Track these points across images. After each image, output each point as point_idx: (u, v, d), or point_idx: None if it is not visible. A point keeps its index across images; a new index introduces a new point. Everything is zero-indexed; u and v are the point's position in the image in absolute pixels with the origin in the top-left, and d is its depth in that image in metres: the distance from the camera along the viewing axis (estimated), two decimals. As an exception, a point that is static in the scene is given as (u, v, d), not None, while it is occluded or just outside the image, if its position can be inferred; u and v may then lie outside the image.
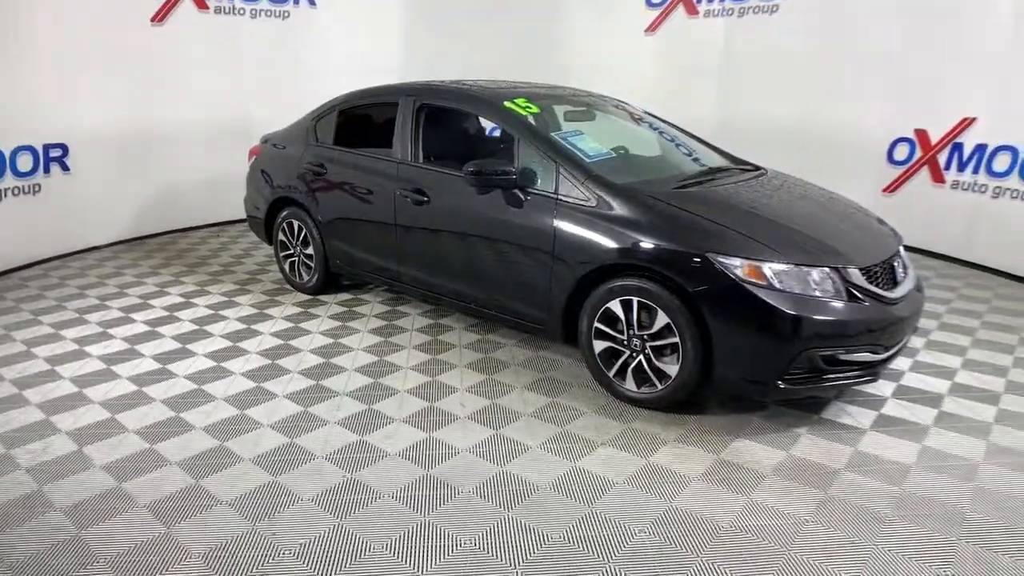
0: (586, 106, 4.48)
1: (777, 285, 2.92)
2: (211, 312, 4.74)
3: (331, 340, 4.24)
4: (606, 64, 8.14)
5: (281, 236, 5.13)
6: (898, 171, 6.37)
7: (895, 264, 3.29)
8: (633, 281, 3.21)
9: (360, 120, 4.69)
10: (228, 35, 7.16)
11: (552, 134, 3.68)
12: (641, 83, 8.06)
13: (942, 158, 6.00)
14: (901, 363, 3.86)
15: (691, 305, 3.04)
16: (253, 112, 7.23)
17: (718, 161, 4.25)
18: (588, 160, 3.55)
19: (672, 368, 3.18)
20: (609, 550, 2.37)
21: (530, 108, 3.88)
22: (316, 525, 2.52)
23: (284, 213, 5.05)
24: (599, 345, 3.42)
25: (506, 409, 3.37)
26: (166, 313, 4.73)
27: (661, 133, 4.46)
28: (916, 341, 4.19)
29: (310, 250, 4.91)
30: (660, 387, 3.25)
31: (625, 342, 3.32)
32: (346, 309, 4.78)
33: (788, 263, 2.97)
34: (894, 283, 3.24)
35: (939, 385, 3.61)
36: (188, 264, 5.96)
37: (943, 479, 2.77)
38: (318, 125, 4.85)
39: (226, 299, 5.02)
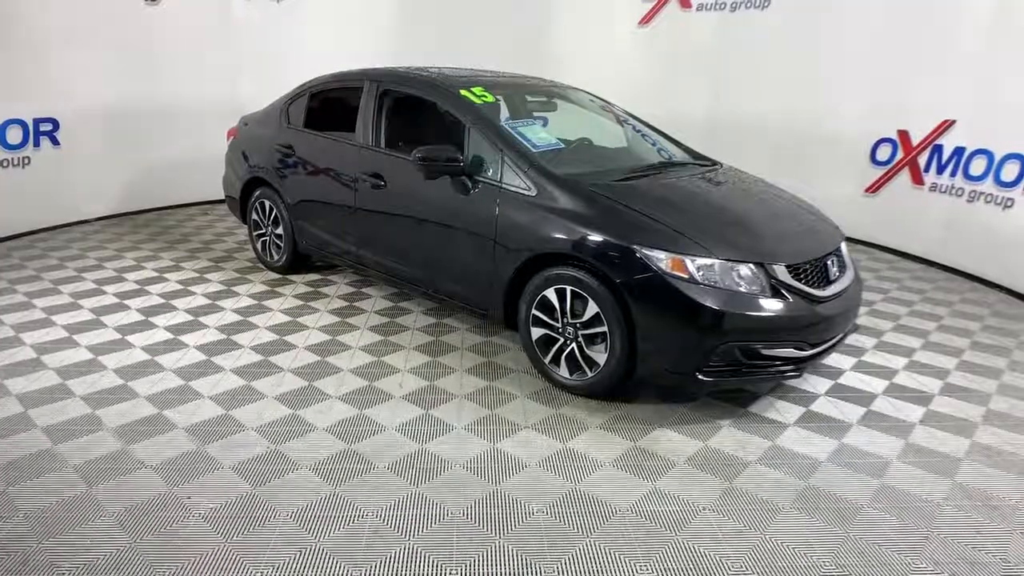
0: (548, 96, 4.52)
1: (700, 279, 2.97)
2: (180, 287, 4.87)
3: (289, 319, 4.34)
4: (598, 55, 8.15)
5: (254, 216, 5.24)
6: (880, 171, 6.35)
7: (829, 262, 3.31)
8: (567, 270, 3.27)
9: (329, 104, 4.77)
10: (222, 15, 7.27)
11: (501, 123, 3.73)
12: (632, 75, 8.07)
13: (922, 160, 5.97)
14: (843, 362, 3.89)
15: (618, 296, 3.10)
16: (245, 92, 7.32)
17: (674, 155, 4.28)
18: (534, 150, 3.60)
19: (601, 357, 3.24)
20: (504, 526, 2.45)
21: (485, 97, 3.94)
22: (231, 491, 2.61)
23: (257, 193, 5.16)
24: (536, 332, 3.49)
25: (442, 391, 3.45)
26: (137, 286, 4.86)
27: (623, 125, 4.50)
28: (866, 341, 4.21)
29: (280, 230, 5.01)
30: (590, 375, 3.31)
31: (560, 330, 3.38)
32: (312, 289, 4.88)
33: (712, 258, 3.01)
34: (826, 281, 3.27)
35: (876, 385, 3.63)
36: (170, 240, 6.09)
37: (850, 475, 2.81)
38: (290, 108, 4.94)
39: (198, 275, 5.14)
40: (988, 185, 5.36)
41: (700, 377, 3.03)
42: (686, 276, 2.97)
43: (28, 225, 6.12)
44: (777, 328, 3.03)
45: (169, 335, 4.05)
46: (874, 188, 6.42)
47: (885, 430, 3.18)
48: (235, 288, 4.88)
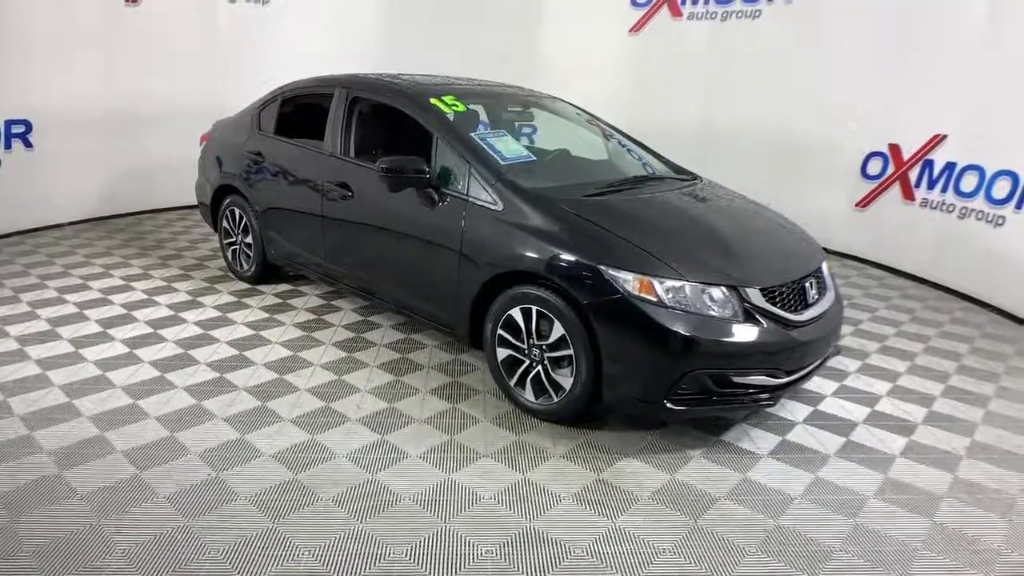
0: (525, 106, 4.37)
1: (668, 302, 2.81)
2: (145, 297, 4.71)
3: (253, 332, 4.18)
4: (589, 63, 8.02)
5: (225, 223, 5.09)
6: (871, 186, 6.20)
7: (807, 284, 3.15)
8: (533, 289, 3.12)
9: (300, 110, 4.62)
10: (205, 16, 7.12)
11: (470, 134, 3.58)
12: (623, 83, 7.94)
13: (913, 175, 5.82)
14: (825, 386, 3.74)
15: (584, 318, 2.94)
16: (228, 95, 7.15)
17: (653, 168, 4.13)
18: (503, 162, 3.45)
19: (567, 381, 3.08)
20: (448, 569, 2.29)
21: (456, 106, 3.79)
22: (162, 525, 2.45)
23: (227, 201, 5.01)
24: (502, 352, 3.33)
25: (402, 414, 3.30)
26: (100, 295, 4.71)
27: (602, 136, 4.35)
28: (850, 364, 4.06)
29: (250, 239, 4.86)
30: (556, 399, 3.15)
31: (526, 351, 3.23)
32: (280, 301, 4.73)
33: (682, 280, 2.85)
34: (804, 304, 3.11)
35: (857, 413, 3.48)
36: (143, 247, 5.94)
37: (824, 514, 2.65)
38: (262, 113, 4.80)
39: (165, 284, 4.99)
40: (979, 202, 5.21)
41: (669, 406, 2.87)
42: (654, 299, 2.82)
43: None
44: (749, 355, 2.87)
45: (125, 349, 3.89)
46: (865, 203, 6.27)
47: (864, 463, 3.02)
48: (201, 299, 4.72)
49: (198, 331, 4.17)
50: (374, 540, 2.42)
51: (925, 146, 5.67)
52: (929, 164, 5.66)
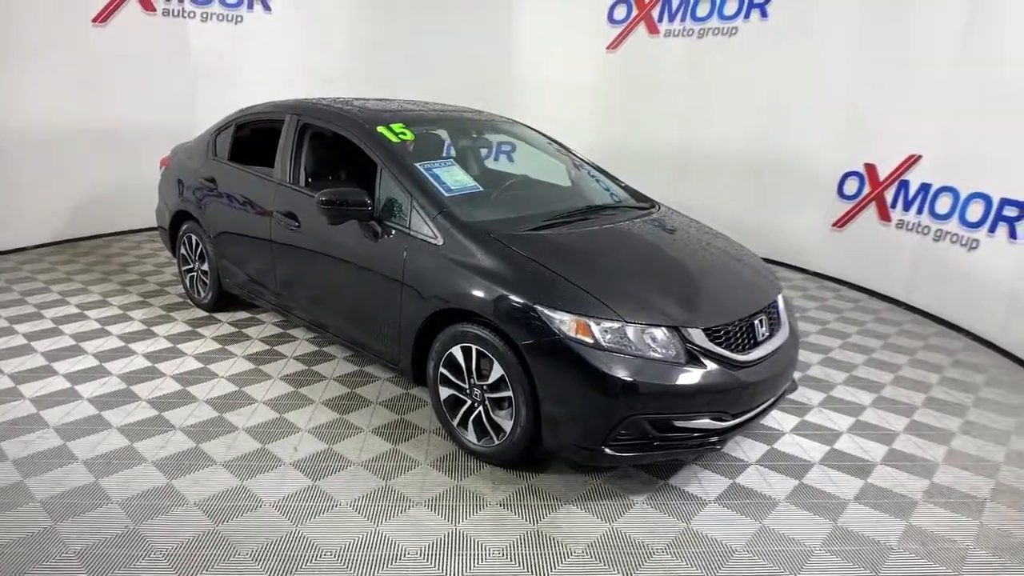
0: (480, 132, 4.27)
1: (604, 343, 2.70)
2: (98, 326, 4.61)
3: (201, 365, 4.07)
4: (567, 80, 7.94)
5: (183, 250, 4.99)
6: (848, 205, 6.10)
7: (756, 322, 3.03)
8: (472, 328, 3.01)
9: (253, 136, 4.53)
10: (176, 38, 7.04)
11: (416, 164, 3.47)
12: (600, 101, 7.86)
13: (889, 195, 5.71)
14: (785, 422, 3.62)
15: (523, 358, 2.83)
16: (199, 117, 7.08)
17: (612, 196, 4.02)
18: (446, 194, 3.35)
19: (507, 423, 2.97)
20: (359, 636, 2.17)
21: (404, 134, 3.69)
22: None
23: (184, 227, 4.91)
24: (444, 391, 3.22)
25: (338, 456, 3.18)
26: (52, 325, 4.60)
27: (561, 162, 4.24)
28: (814, 397, 3.94)
29: (206, 266, 4.76)
30: (497, 441, 3.04)
31: (467, 391, 3.11)
32: (236, 330, 4.62)
33: (619, 321, 2.74)
34: (753, 343, 2.99)
35: (814, 452, 3.35)
36: (106, 271, 5.85)
37: (763, 569, 2.52)
38: (217, 139, 4.71)
39: (121, 312, 4.89)
40: (954, 224, 5.09)
41: (608, 452, 2.75)
42: (590, 340, 2.70)
43: (-42, 254, 5.88)
44: (692, 398, 2.75)
45: (66, 384, 3.79)
46: (841, 223, 6.16)
47: (814, 509, 2.89)
48: (155, 328, 4.61)
49: (145, 364, 4.07)
50: (286, 601, 2.30)
51: (900, 166, 5.57)
52: (905, 185, 5.56)
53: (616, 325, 2.73)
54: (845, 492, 3.02)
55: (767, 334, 3.08)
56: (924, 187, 5.38)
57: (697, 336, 2.80)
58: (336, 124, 3.83)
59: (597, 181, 4.20)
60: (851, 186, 6.04)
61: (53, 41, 6.23)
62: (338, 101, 4.19)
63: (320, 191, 3.41)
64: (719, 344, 2.85)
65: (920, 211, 5.43)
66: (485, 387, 3.02)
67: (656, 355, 2.74)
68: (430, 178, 3.41)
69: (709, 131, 7.07)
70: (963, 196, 5.00)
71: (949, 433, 3.58)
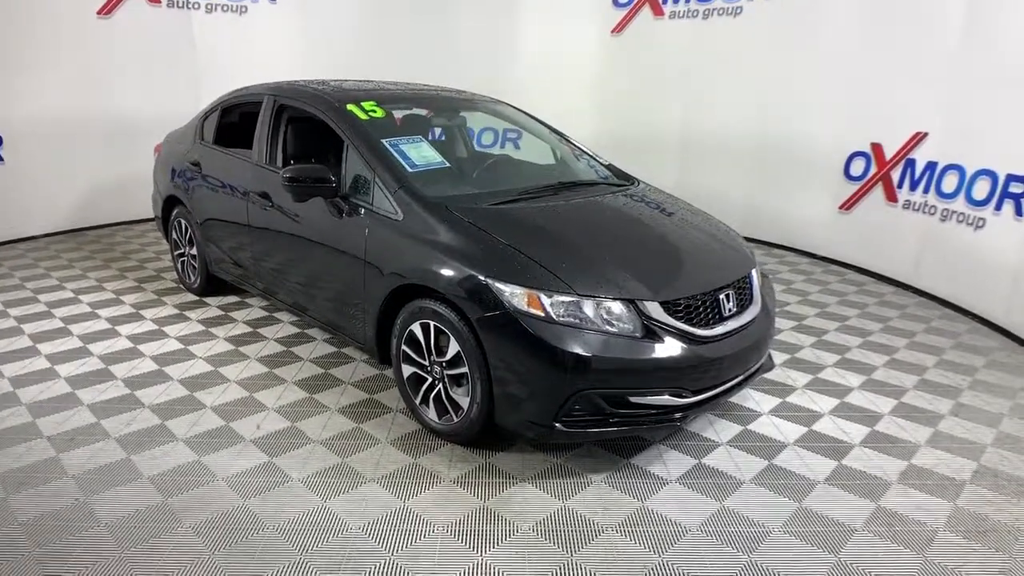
0: (457, 110, 4.21)
1: (556, 317, 2.62)
2: (89, 310, 4.67)
3: (181, 347, 4.10)
4: (570, 65, 7.84)
5: (174, 235, 5.04)
6: (854, 187, 5.90)
7: (723, 296, 2.92)
8: (430, 303, 2.96)
9: (237, 119, 4.53)
10: (181, 29, 7.12)
11: (382, 140, 3.43)
12: (605, 84, 7.75)
13: (896, 175, 5.50)
14: (764, 403, 3.50)
15: (476, 334, 2.76)
16: (202, 105, 7.11)
17: (589, 173, 3.93)
18: (410, 170, 3.30)
19: (465, 400, 2.91)
20: (286, 608, 2.14)
21: (374, 112, 3.65)
22: (16, 552, 2.35)
23: (175, 212, 4.95)
24: (407, 369, 3.18)
25: (300, 434, 3.16)
26: (44, 308, 4.68)
27: (543, 140, 4.16)
28: (800, 378, 3.80)
29: (195, 251, 4.79)
30: (456, 419, 2.98)
31: (428, 368, 3.06)
32: (222, 313, 4.65)
33: (571, 294, 2.66)
34: (718, 318, 2.89)
35: (790, 433, 3.23)
36: (108, 258, 5.93)
37: (716, 550, 2.43)
38: (205, 123, 4.73)
39: (114, 296, 4.95)
40: (960, 203, 4.88)
41: (560, 428, 2.67)
42: (541, 314, 2.63)
43: (-33, 242, 6.02)
44: (648, 373, 2.66)
45: (47, 364, 3.84)
46: (848, 205, 5.97)
47: (779, 490, 2.78)
48: (143, 311, 4.66)
49: (127, 345, 4.10)
50: (221, 572, 2.27)
51: (907, 144, 5.37)
52: (911, 163, 5.35)
53: (569, 299, 2.65)
54: (815, 473, 2.90)
55: (734, 309, 2.97)
56: (930, 165, 5.17)
57: (654, 310, 2.71)
58: (308, 103, 3.80)
59: (579, 159, 4.11)
60: (857, 167, 5.84)
61: (59, 33, 6.34)
62: (315, 81, 4.17)
63: (284, 169, 3.38)
64: (679, 319, 2.76)
65: (927, 190, 5.22)
66: (444, 364, 2.96)
67: (611, 329, 2.65)
68: (394, 153, 3.36)
69: (714, 113, 6.91)
70: (969, 173, 4.79)
71: (938, 415, 3.42)
